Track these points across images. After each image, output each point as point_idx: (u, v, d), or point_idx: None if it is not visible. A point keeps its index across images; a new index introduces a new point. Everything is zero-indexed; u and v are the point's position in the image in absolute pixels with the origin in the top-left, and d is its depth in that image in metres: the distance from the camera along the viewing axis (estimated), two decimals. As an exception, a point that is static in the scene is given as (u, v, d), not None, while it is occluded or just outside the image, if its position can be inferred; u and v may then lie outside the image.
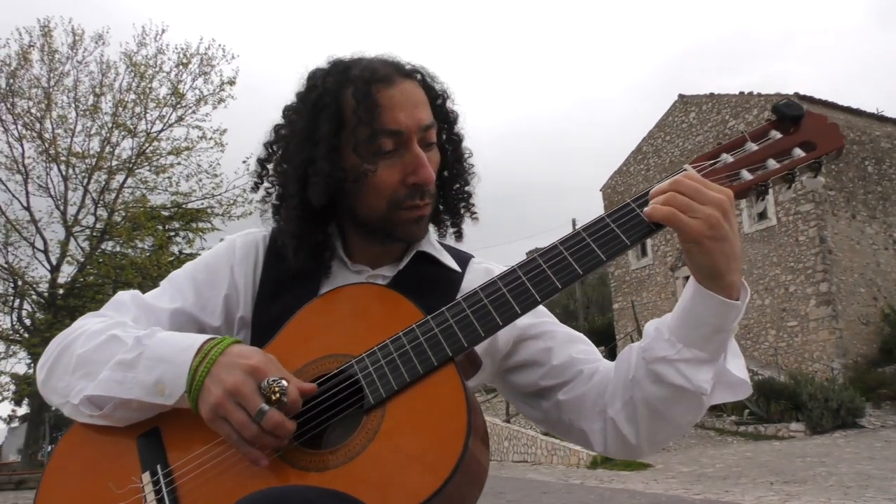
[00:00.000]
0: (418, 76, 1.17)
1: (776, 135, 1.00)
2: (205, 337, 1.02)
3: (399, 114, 1.09)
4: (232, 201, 20.43)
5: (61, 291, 19.73)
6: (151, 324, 1.13)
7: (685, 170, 0.98)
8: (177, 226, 21.82)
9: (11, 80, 18.71)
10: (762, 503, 7.15)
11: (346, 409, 0.99)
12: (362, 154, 1.10)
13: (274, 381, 0.92)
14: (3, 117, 18.87)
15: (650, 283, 24.47)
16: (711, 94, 22.95)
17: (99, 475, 1.01)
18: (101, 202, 19.70)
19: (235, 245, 1.25)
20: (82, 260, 19.96)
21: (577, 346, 1.19)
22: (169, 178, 20.23)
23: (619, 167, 26.04)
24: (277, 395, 0.91)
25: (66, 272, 20.23)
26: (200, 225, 21.51)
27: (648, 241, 24.65)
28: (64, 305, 18.85)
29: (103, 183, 19.62)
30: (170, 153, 19.99)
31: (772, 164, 0.97)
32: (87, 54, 19.48)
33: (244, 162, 19.46)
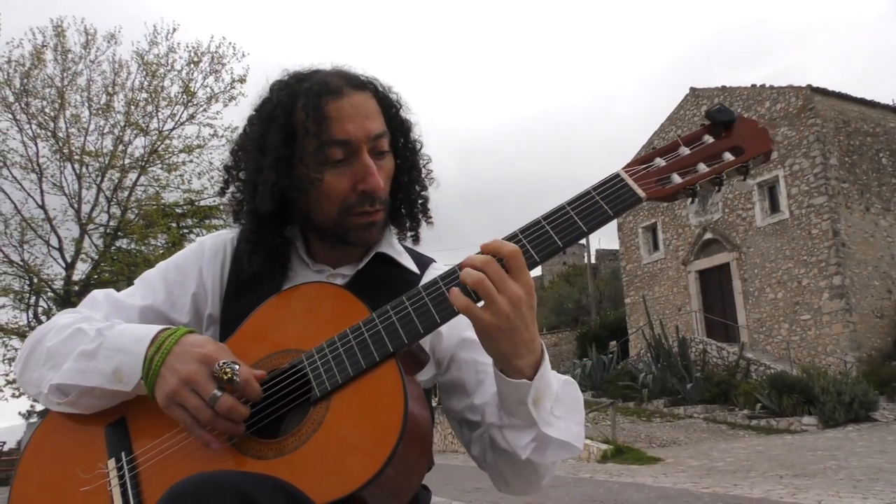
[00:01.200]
0: (371, 87, 1.22)
1: (708, 139, 1.03)
2: (159, 327, 1.09)
3: (348, 125, 1.15)
4: (244, 198, 20.55)
5: (76, 288, 19.94)
6: (122, 320, 1.20)
7: (516, 236, 1.02)
8: (190, 223, 21.98)
9: (25, 80, 18.89)
10: (770, 497, 7.13)
11: (295, 401, 1.05)
12: (310, 164, 1.16)
13: (224, 363, 1.00)
14: (18, 117, 19.05)
15: (662, 278, 24.38)
16: (723, 87, 22.82)
17: (69, 462, 1.08)
18: (115, 200, 19.88)
19: (205, 246, 1.31)
20: (96, 257, 20.16)
21: None
22: (181, 175, 20.35)
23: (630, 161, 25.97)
24: (229, 374, 0.99)
25: (81, 269, 20.45)
26: (214, 222, 21.66)
27: (660, 235, 24.56)
28: (78, 302, 19.04)
29: (116, 181, 19.78)
30: (182, 151, 20.11)
31: (702, 167, 1.00)
32: (99, 54, 19.62)
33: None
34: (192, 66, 19.84)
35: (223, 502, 0.82)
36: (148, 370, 1.04)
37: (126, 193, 20.14)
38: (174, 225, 20.88)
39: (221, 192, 1.29)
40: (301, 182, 1.17)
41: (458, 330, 1.21)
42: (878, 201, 20.30)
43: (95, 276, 20.41)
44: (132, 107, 19.69)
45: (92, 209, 20.01)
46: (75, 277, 20.25)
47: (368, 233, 1.21)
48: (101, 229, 20.42)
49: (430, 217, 1.32)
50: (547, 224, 1.01)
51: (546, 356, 1.04)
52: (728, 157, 1.00)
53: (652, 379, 18.34)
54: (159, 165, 20.36)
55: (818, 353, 18.87)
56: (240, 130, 1.27)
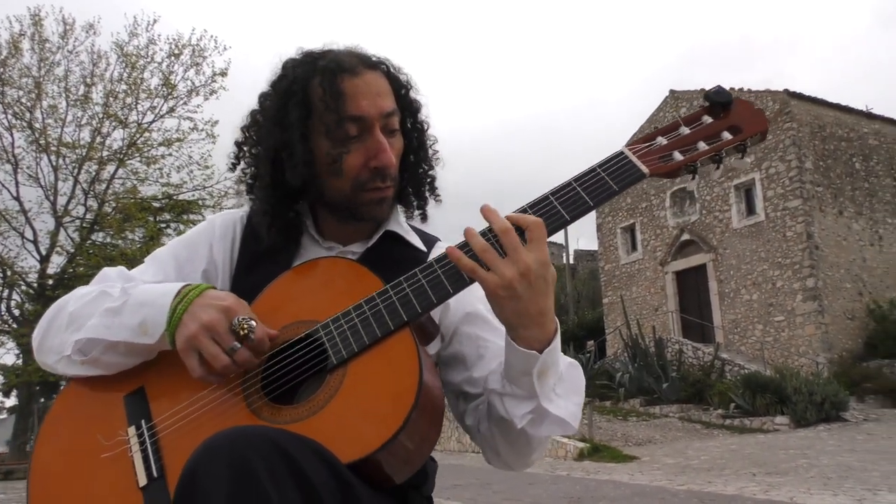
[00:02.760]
0: (383, 67, 1.25)
1: (707, 119, 1.08)
2: (182, 283, 1.14)
3: (362, 101, 1.18)
4: (223, 193, 20.43)
5: (50, 282, 19.70)
6: None
7: (526, 211, 1.06)
8: (168, 217, 21.79)
9: (1, 70, 18.63)
10: (744, 494, 7.25)
11: (311, 368, 1.08)
12: (333, 139, 1.19)
13: (243, 318, 1.04)
14: (-7, 107, 18.79)
15: (640, 278, 24.60)
16: (702, 90, 23.04)
17: (89, 430, 1.11)
18: (92, 193, 19.67)
19: (215, 223, 1.34)
20: (72, 251, 19.93)
21: (500, 361, 1.20)
22: (160, 169, 20.23)
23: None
24: (246, 331, 1.04)
25: (56, 263, 20.24)
26: (192, 217, 21.49)
27: (638, 236, 24.78)
28: (53, 296, 18.80)
29: (94, 173, 19.59)
30: (161, 144, 19.98)
31: (702, 146, 1.05)
32: (77, 44, 19.43)
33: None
34: (172, 58, 19.70)
35: (258, 453, 0.84)
36: (171, 318, 1.07)
37: (103, 186, 19.92)
38: (152, 219, 20.69)
39: (232, 168, 1.31)
40: (325, 157, 1.20)
41: (464, 304, 1.24)
42: (851, 205, 20.66)
43: (70, 270, 20.17)
44: (111, 98, 19.49)
45: (68, 202, 19.79)
46: (50, 271, 20.01)
47: (379, 208, 1.25)
48: (77, 222, 20.18)
49: (439, 195, 1.35)
50: (554, 199, 1.05)
51: (558, 334, 1.07)
52: (726, 135, 1.05)
53: (628, 378, 18.49)
54: (138, 158, 20.17)
55: (791, 353, 19.17)
56: (252, 107, 1.29)
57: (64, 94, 19.38)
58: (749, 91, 21.32)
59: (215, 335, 1.04)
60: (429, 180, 1.34)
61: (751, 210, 21.11)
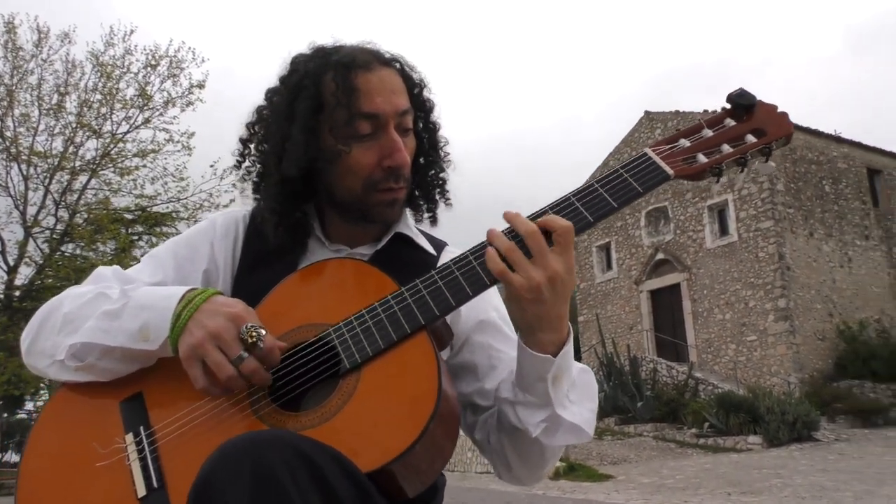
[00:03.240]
0: (397, 65, 1.22)
1: (730, 122, 1.07)
2: (187, 287, 1.08)
3: (376, 98, 1.14)
4: (198, 205, 20.19)
5: (17, 293, 19.27)
6: None
7: (546, 212, 1.03)
8: (140, 229, 21.48)
9: (-28, 77, 18.33)
10: (719, 512, 7.27)
11: (322, 373, 1.03)
12: (339, 136, 1.14)
13: (252, 326, 0.99)
14: (-37, 114, 18.45)
15: (615, 297, 24.75)
16: (676, 112, 23.40)
17: (82, 437, 1.04)
18: (63, 203, 19.33)
19: (216, 223, 1.28)
20: (41, 262, 19.54)
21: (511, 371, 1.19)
22: (134, 180, 19.93)
23: (586, 181, 26.37)
24: (254, 339, 0.98)
25: (24, 274, 19.80)
26: (164, 229, 21.20)
27: (614, 255, 24.97)
28: (20, 308, 18.42)
29: (65, 184, 19.26)
30: (135, 155, 19.68)
31: (726, 148, 1.04)
32: (52, 52, 19.17)
33: (212, 166, 19.28)
34: (149, 69, 19.51)
35: (280, 458, 0.79)
36: (174, 324, 1.01)
37: (75, 197, 19.59)
38: (124, 231, 20.38)
39: (238, 165, 1.26)
40: (328, 153, 1.15)
41: (478, 311, 1.20)
42: (821, 227, 21.03)
43: (38, 282, 19.77)
44: (85, 108, 19.22)
45: (38, 212, 19.41)
46: (17, 282, 19.57)
47: (390, 210, 1.20)
48: (47, 233, 19.82)
49: (449, 199, 1.31)
50: (576, 200, 1.03)
51: (571, 338, 1.04)
52: (751, 138, 1.04)
53: (603, 397, 18.51)
54: (111, 169, 19.89)
55: (763, 373, 19.36)
56: (260, 102, 1.24)
57: (37, 103, 19.07)
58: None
59: (221, 343, 0.97)
60: (440, 183, 1.30)
61: (724, 230, 21.39)
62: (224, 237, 1.26)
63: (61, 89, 19.24)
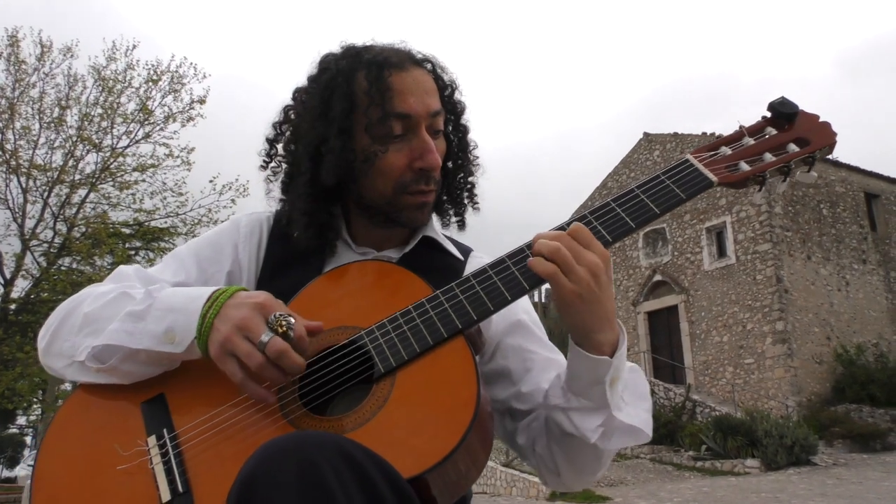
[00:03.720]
0: (429, 65, 1.21)
1: (771, 131, 1.06)
2: (213, 287, 1.05)
3: (409, 98, 1.13)
4: (197, 220, 20.16)
5: (13, 307, 19.17)
6: None
7: (585, 217, 1.03)
8: (138, 244, 21.41)
9: (-27, 90, 18.35)
10: (720, 535, 7.20)
11: (354, 378, 1.01)
12: (374, 135, 1.13)
13: (281, 315, 0.95)
14: (-37, 126, 18.45)
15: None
16: (675, 134, 23.51)
17: (101, 439, 1.01)
18: (62, 216, 19.27)
19: (240, 223, 1.26)
20: (38, 275, 19.44)
21: (548, 374, 1.17)
22: (133, 194, 19.89)
23: (584, 202, 26.43)
24: (284, 328, 0.94)
25: (21, 287, 19.70)
26: (162, 244, 21.13)
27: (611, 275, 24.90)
28: (16, 321, 18.31)
29: (64, 197, 19.21)
30: (135, 169, 19.63)
31: (768, 157, 1.03)
32: (54, 66, 19.22)
33: (211, 181, 19.29)
34: (150, 84, 19.56)
35: (325, 458, 0.77)
36: (201, 325, 0.98)
37: (74, 210, 19.55)
38: (121, 245, 20.33)
39: (264, 166, 1.25)
40: (362, 154, 1.14)
41: (507, 315, 1.18)
42: (819, 250, 21.06)
43: (34, 295, 19.68)
44: (86, 122, 19.24)
45: (36, 224, 19.35)
46: (14, 295, 19.47)
47: (420, 213, 1.19)
48: (45, 246, 19.75)
49: (477, 203, 1.30)
50: (617, 206, 1.02)
51: (625, 336, 1.03)
52: (793, 147, 1.03)
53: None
54: (111, 183, 19.87)
55: (761, 396, 19.28)
56: (287, 102, 1.23)
57: (38, 116, 19.07)
58: (720, 136, 21.71)
59: (249, 333, 0.94)
60: (468, 186, 1.29)
61: (722, 252, 21.41)
62: (248, 238, 1.24)
63: (62, 103, 19.27)
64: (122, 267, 1.21)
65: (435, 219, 1.30)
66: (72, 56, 19.40)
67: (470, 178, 1.29)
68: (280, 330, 0.94)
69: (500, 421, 1.20)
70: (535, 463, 1.16)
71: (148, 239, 21.24)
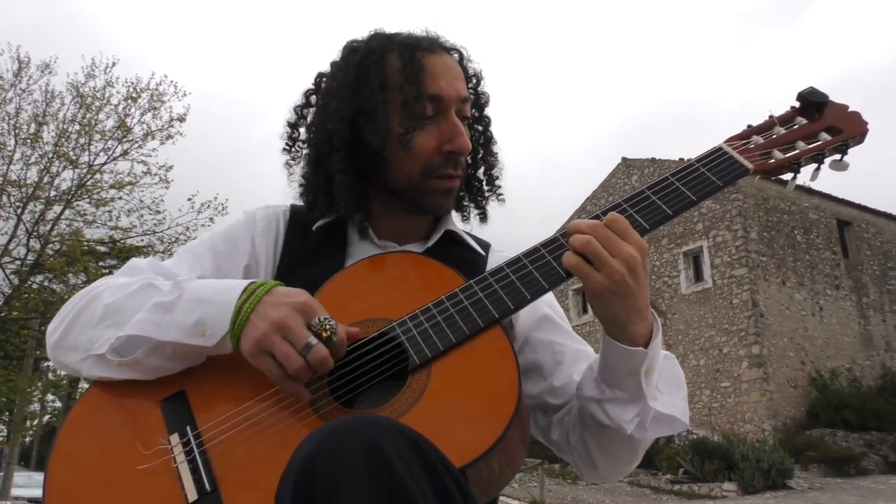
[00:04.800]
0: (456, 54, 1.21)
1: (802, 120, 1.07)
2: (248, 280, 1.01)
3: (440, 80, 1.13)
4: (174, 239, 19.95)
5: (-18, 325, 18.77)
6: None
7: (620, 205, 1.03)
8: (113, 262, 21.12)
9: (-52, 104, 18.10)
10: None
11: (388, 370, 0.98)
12: (407, 113, 1.12)
13: (325, 319, 0.92)
14: (-64, 141, 18.17)
15: (591, 340, 23.38)
16: (653, 159, 23.82)
17: (119, 439, 0.96)
18: (35, 233, 18.97)
19: (256, 217, 1.24)
20: (9, 292, 19.08)
21: (579, 367, 1.16)
22: (109, 212, 19.66)
23: (563, 225, 26.59)
24: (328, 333, 0.91)
25: (-9, 304, 19.29)
26: (137, 263, 20.83)
27: (589, 299, 24.99)
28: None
29: (39, 213, 18.94)
30: (112, 187, 19.41)
31: (801, 145, 1.04)
32: (31, 82, 19.04)
33: (189, 199, 19.14)
34: (129, 101, 19.44)
35: (388, 438, 0.73)
36: (236, 318, 0.94)
37: (48, 227, 19.28)
38: (95, 263, 20.04)
39: (287, 149, 1.24)
40: (393, 132, 1.13)
41: (533, 309, 1.17)
42: (794, 276, 21.35)
43: (4, 313, 19.30)
44: (62, 138, 19.05)
45: (9, 241, 19.04)
46: (-17, 312, 19.08)
47: (445, 199, 1.18)
48: (17, 263, 19.43)
49: (502, 195, 1.29)
50: (653, 194, 1.02)
51: (658, 325, 1.01)
52: (825, 136, 1.04)
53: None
54: (87, 200, 19.64)
55: (737, 419, 19.38)
56: (308, 85, 1.23)
57: (13, 132, 18.88)
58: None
59: (288, 334, 0.91)
60: (491, 177, 1.28)
61: (699, 276, 21.61)
62: (265, 232, 1.22)
63: (39, 119, 19.08)
64: (134, 259, 1.17)
65: (456, 216, 1.29)
66: (50, 73, 19.24)
67: (493, 171, 1.29)
68: (324, 335, 0.91)
69: (532, 417, 1.18)
70: (570, 456, 1.14)
71: (123, 257, 20.92)
